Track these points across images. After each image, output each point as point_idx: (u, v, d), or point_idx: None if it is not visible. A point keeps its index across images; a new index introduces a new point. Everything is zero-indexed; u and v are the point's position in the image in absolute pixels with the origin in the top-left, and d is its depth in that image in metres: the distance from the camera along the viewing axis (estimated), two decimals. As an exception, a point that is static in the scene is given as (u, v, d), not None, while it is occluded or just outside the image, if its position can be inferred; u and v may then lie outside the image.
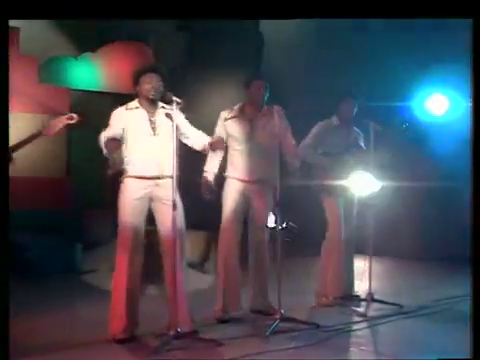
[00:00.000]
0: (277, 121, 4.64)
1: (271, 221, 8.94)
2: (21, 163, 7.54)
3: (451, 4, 4.20)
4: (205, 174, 4.82)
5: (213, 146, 4.36)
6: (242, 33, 8.89)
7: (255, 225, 4.84)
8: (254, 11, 5.21)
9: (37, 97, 7.77)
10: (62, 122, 3.97)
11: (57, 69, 8.26)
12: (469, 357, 3.19)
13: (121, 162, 4.11)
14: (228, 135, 4.81)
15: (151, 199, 4.24)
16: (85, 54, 8.49)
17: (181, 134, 4.32)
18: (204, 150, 4.42)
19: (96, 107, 8.17)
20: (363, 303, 5.17)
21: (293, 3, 5.08)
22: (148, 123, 4.23)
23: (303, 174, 5.43)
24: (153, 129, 4.21)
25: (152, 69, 4.30)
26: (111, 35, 8.52)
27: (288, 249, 6.83)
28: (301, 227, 5.07)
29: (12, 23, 7.37)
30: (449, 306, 5.31)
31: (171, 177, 4.19)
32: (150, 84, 4.21)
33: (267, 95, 4.80)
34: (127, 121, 4.23)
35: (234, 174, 4.82)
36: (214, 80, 8.81)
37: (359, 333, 4.59)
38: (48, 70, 8.13)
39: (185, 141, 4.39)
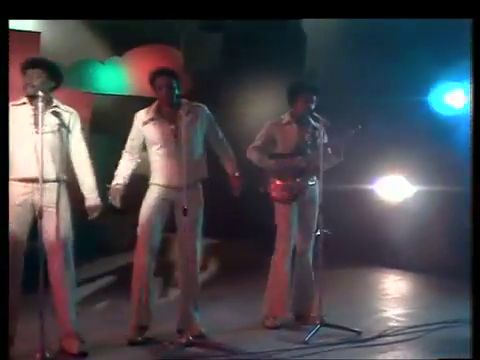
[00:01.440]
0: (203, 120, 4.36)
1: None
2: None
3: (451, 4, 4.22)
4: (114, 179, 4.39)
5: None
6: (277, 33, 8.31)
7: (184, 234, 4.27)
8: (256, 11, 5.14)
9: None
10: None
11: (83, 73, 8.19)
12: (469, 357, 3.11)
13: None
14: (147, 139, 4.37)
15: (33, 205, 3.90)
16: (112, 58, 8.36)
17: (71, 139, 4.02)
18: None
19: (122, 111, 8.05)
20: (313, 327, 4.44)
21: (295, 3, 5.01)
22: (32, 119, 3.90)
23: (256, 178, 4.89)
24: (35, 126, 3.86)
25: (31, 63, 4.00)
26: (138, 38, 8.31)
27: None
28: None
29: (33, 27, 7.54)
30: (421, 334, 4.46)
31: (56, 181, 3.96)
32: (29, 79, 3.93)
33: (176, 90, 4.30)
34: (13, 118, 3.92)
35: (159, 181, 4.36)
36: (247, 83, 8.32)
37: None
38: (74, 74, 8.08)
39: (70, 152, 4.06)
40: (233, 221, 7.28)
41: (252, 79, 8.06)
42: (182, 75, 8.71)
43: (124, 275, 5.07)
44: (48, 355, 3.64)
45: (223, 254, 7.13)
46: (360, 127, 4.51)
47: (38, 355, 3.60)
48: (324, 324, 4.42)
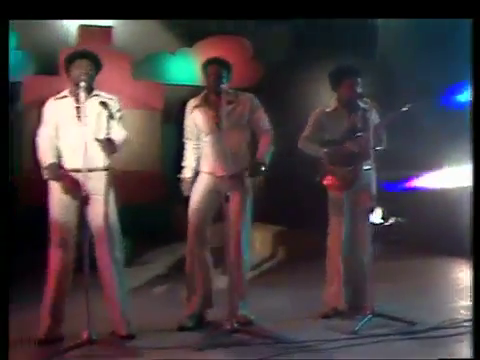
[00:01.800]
0: (246, 109, 4.35)
1: (377, 216, 8.19)
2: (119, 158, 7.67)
3: (451, 4, 4.27)
4: (183, 171, 4.50)
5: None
6: (349, 26, 8.17)
7: (228, 225, 4.27)
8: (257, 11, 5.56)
9: (131, 93, 7.93)
10: None
11: (154, 65, 8.37)
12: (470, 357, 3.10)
13: None
14: (196, 126, 4.41)
15: (80, 192, 3.98)
16: (182, 49, 8.50)
17: (109, 128, 4.09)
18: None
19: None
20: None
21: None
22: (75, 111, 4.02)
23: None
24: (79, 118, 3.97)
25: (81, 55, 4.12)
26: (208, 29, 8.39)
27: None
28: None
29: (106, 22, 7.78)
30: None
31: (103, 169, 4.06)
32: (79, 69, 4.02)
33: (224, 80, 4.30)
34: (56, 112, 4.08)
35: (205, 168, 4.43)
36: (317, 75, 8.23)
37: (322, 354, 3.84)
38: (145, 66, 8.28)
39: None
40: (301, 210, 7.26)
41: (323, 71, 7.95)
42: (251, 65, 8.76)
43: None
44: (94, 336, 3.74)
45: (289, 242, 7.13)
46: (406, 109, 4.35)
47: (85, 334, 3.74)
48: (376, 314, 4.30)
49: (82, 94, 3.91)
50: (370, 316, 4.28)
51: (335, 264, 4.62)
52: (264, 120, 4.44)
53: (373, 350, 3.88)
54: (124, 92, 7.81)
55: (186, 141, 4.53)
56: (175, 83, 8.32)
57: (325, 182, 4.62)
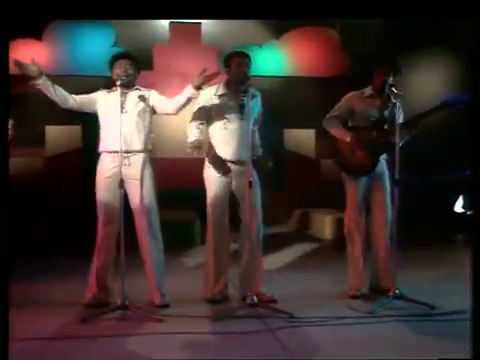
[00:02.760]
0: (259, 104, 4.75)
1: (458, 205, 8.05)
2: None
3: (451, 4, 4.42)
4: (189, 139, 4.65)
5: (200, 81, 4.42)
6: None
7: (242, 211, 4.69)
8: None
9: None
10: None
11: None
12: (469, 357, 3.11)
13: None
14: (214, 111, 4.65)
15: (121, 174, 4.35)
16: (269, 42, 8.82)
17: (160, 111, 4.61)
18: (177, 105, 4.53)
19: (281, 92, 8.54)
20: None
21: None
22: (119, 102, 4.44)
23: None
24: (120, 108, 4.41)
25: (123, 55, 4.64)
26: (293, 21, 8.63)
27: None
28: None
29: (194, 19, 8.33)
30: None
31: (141, 151, 4.54)
32: (120, 69, 4.52)
33: (249, 73, 4.59)
34: (104, 102, 4.59)
35: (220, 154, 4.66)
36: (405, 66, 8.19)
37: (330, 329, 4.08)
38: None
39: (164, 112, 4.61)
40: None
41: (409, 63, 7.93)
42: (338, 56, 8.87)
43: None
44: (127, 302, 4.28)
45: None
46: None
47: (119, 301, 4.28)
48: (397, 297, 4.45)
49: (120, 89, 4.43)
50: (390, 298, 4.45)
51: (355, 248, 4.83)
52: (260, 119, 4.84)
53: (381, 329, 4.07)
54: (210, 84, 8.36)
55: (193, 121, 4.65)
56: (262, 75, 8.65)
57: (343, 166, 4.82)
